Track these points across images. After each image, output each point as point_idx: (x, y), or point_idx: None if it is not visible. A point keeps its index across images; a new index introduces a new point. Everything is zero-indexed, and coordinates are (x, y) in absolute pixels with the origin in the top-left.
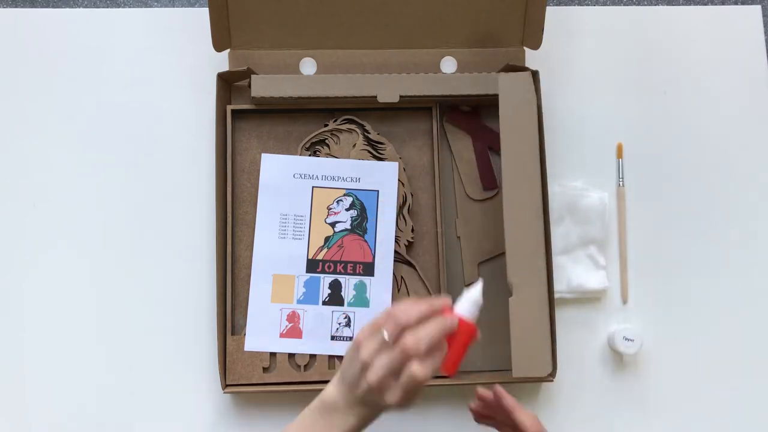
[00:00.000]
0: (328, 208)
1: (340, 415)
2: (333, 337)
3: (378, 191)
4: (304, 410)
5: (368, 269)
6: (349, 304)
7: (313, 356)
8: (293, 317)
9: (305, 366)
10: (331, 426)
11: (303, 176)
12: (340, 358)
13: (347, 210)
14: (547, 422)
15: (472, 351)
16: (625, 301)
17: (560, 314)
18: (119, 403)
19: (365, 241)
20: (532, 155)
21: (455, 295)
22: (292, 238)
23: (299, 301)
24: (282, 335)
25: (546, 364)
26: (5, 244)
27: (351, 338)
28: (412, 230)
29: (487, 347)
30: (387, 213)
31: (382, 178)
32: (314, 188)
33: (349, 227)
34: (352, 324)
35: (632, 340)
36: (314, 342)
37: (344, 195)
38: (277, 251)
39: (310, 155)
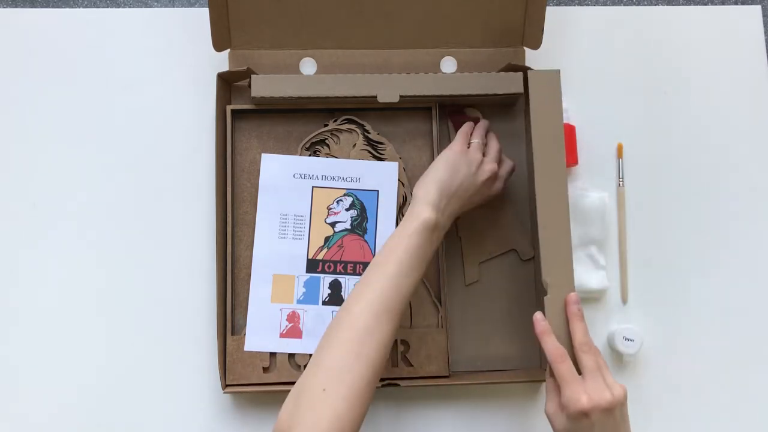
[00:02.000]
0: (328, 208)
1: (441, 229)
2: None
3: (378, 191)
4: (392, 239)
5: None
6: None
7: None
8: (293, 317)
9: (305, 366)
10: (437, 239)
11: (303, 176)
12: None
13: (347, 210)
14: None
15: (472, 351)
16: (625, 301)
17: None
18: (119, 403)
19: (365, 241)
20: (560, 155)
21: (456, 294)
22: (292, 238)
23: (299, 301)
24: (282, 335)
25: None
26: (5, 243)
27: None
28: None
29: (488, 347)
30: (387, 213)
31: (382, 178)
32: (314, 188)
33: (349, 227)
34: None
35: (632, 340)
36: (314, 342)
37: (344, 195)
38: (277, 251)
39: (310, 155)
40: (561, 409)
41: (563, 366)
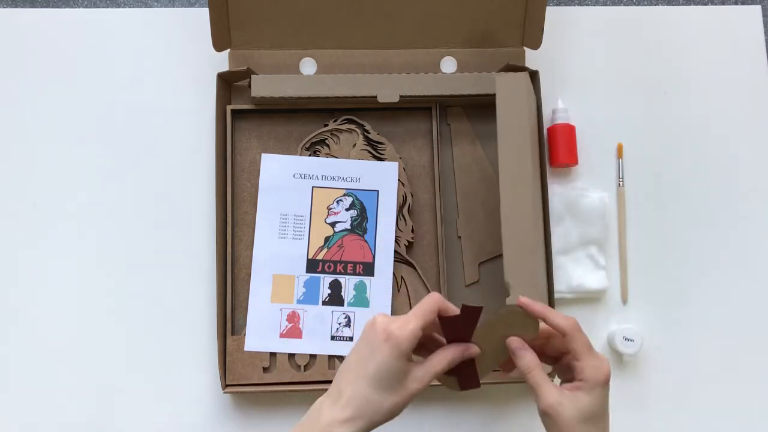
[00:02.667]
0: (328, 208)
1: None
2: (333, 337)
3: (378, 191)
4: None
5: (368, 269)
6: (349, 304)
7: (313, 356)
8: (293, 317)
9: (305, 366)
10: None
11: (303, 176)
12: (340, 358)
13: (347, 210)
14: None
15: None
16: (625, 301)
17: None
18: (119, 403)
19: (365, 241)
20: (530, 156)
21: (456, 294)
22: (292, 238)
23: (299, 301)
24: (282, 335)
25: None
26: (5, 243)
27: (351, 338)
28: (412, 230)
29: None
30: (387, 213)
31: (382, 178)
32: (314, 188)
33: (349, 227)
34: (352, 324)
35: (632, 340)
36: (314, 342)
37: (344, 195)
38: (277, 251)
39: (310, 155)
40: (575, 389)
41: (581, 335)
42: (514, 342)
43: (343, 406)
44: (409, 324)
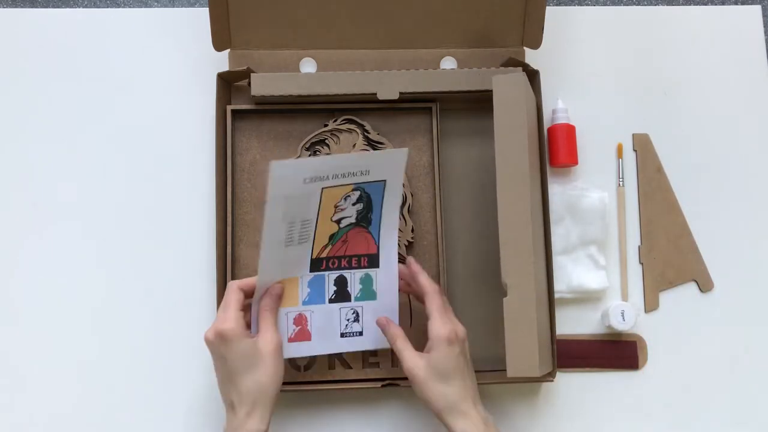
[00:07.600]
0: (336, 206)
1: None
2: (343, 335)
3: (385, 181)
4: None
5: (373, 261)
6: (356, 299)
7: (313, 356)
8: (300, 320)
9: (305, 366)
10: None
11: (314, 179)
12: (348, 355)
13: (354, 204)
14: (547, 422)
15: (472, 351)
16: (625, 301)
17: (560, 314)
18: (118, 403)
19: (369, 232)
20: (528, 156)
21: (458, 295)
22: (298, 243)
23: (305, 302)
24: (291, 339)
25: (544, 364)
26: (5, 243)
27: (361, 333)
28: (412, 230)
29: (487, 347)
30: (392, 202)
31: (390, 166)
32: (324, 189)
33: (354, 221)
34: (360, 319)
35: (624, 321)
36: (324, 342)
37: (353, 190)
38: (284, 259)
39: (310, 155)
40: (428, 350)
41: (442, 298)
42: (382, 320)
43: (238, 408)
44: (227, 313)
